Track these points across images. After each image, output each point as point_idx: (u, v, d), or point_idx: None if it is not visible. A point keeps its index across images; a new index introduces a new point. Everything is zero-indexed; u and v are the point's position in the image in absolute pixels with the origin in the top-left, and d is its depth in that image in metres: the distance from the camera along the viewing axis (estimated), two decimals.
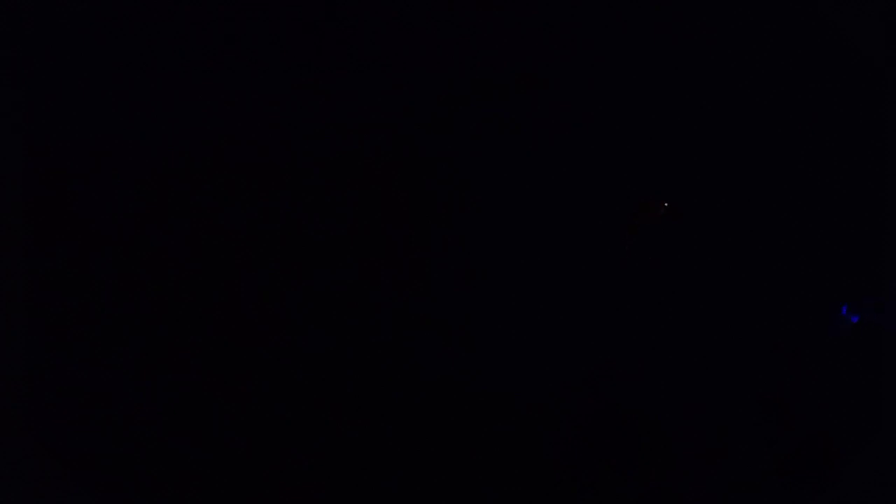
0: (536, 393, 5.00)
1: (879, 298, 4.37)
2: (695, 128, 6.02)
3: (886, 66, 5.50)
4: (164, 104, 5.46)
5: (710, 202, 5.28)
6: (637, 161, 5.08)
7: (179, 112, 5.52)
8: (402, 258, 5.60)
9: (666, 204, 4.18)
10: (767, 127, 5.66)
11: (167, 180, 5.40)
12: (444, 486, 4.15)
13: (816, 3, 5.81)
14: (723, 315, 5.30)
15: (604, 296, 5.05)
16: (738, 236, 5.26)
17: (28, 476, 3.70)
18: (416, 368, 5.16)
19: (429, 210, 5.89)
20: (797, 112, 5.64)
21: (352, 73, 6.07)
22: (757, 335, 5.24)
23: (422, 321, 5.54)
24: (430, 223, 5.86)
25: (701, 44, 5.99)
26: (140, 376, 4.38)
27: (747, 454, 4.63)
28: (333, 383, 4.70)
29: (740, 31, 5.94)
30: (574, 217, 5.27)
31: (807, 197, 5.18)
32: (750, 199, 5.35)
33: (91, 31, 5.20)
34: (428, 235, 5.80)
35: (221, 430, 4.12)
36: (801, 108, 5.65)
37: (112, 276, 4.85)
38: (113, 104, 5.29)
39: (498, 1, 6.23)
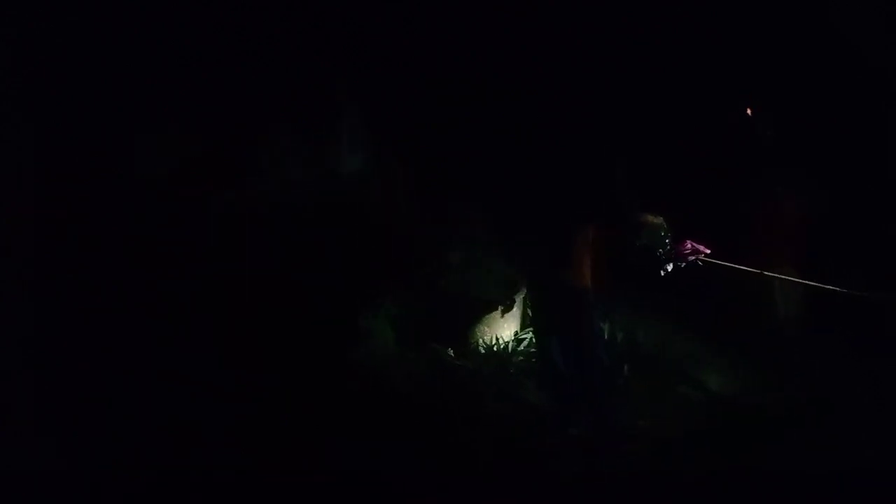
0: None
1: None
2: (693, 127, 6.02)
3: (887, 65, 5.51)
4: (165, 104, 5.47)
5: (710, 201, 5.28)
6: (635, 161, 5.06)
7: (179, 112, 5.53)
8: (401, 257, 5.61)
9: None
10: (767, 126, 5.65)
11: (168, 180, 5.40)
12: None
13: (817, 4, 5.82)
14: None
15: None
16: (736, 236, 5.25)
17: (29, 475, 3.70)
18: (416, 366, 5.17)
19: (429, 210, 5.90)
20: (797, 111, 5.65)
21: (351, 72, 6.09)
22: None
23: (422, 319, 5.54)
24: (430, 223, 5.87)
25: (701, 44, 6.00)
26: (141, 376, 4.39)
27: None
28: (333, 383, 4.71)
29: (741, 31, 5.95)
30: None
31: (806, 196, 5.18)
32: (748, 198, 5.35)
33: (91, 30, 5.21)
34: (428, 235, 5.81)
35: (222, 430, 4.13)
36: (800, 107, 5.66)
37: (113, 275, 4.85)
38: (114, 104, 5.29)
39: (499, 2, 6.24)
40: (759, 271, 4.50)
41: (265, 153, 5.68)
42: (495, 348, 5.39)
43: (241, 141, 5.63)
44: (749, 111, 5.30)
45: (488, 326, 5.47)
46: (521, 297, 5.53)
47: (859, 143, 5.52)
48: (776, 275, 4.61)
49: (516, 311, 5.60)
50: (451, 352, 5.31)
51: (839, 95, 5.68)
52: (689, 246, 4.11)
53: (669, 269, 4.11)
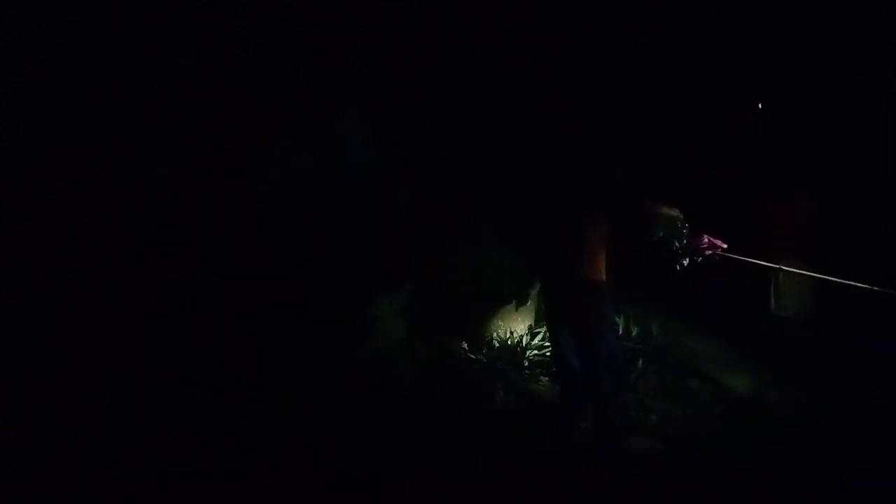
0: None
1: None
2: (693, 126, 6.02)
3: (887, 65, 5.51)
4: (165, 104, 5.46)
5: (710, 200, 5.27)
6: (634, 160, 5.07)
7: (179, 112, 5.53)
8: (402, 257, 5.61)
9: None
10: (767, 125, 5.64)
11: (168, 180, 5.40)
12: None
13: (817, 4, 5.82)
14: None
15: None
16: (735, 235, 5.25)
17: (29, 475, 3.71)
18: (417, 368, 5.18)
19: (430, 209, 5.90)
20: (798, 111, 5.64)
21: (352, 72, 6.08)
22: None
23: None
24: (430, 223, 5.86)
25: (701, 43, 6.00)
26: (141, 376, 4.39)
27: None
28: (333, 383, 4.71)
29: (741, 32, 5.96)
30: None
31: (807, 195, 5.17)
32: (748, 198, 5.35)
33: (91, 30, 5.21)
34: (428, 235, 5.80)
35: (222, 430, 4.13)
36: (801, 107, 5.66)
37: (114, 275, 4.85)
38: (114, 104, 5.29)
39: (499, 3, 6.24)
40: (777, 266, 4.48)
41: (265, 153, 5.69)
42: (509, 342, 5.42)
43: (241, 141, 5.63)
44: (750, 111, 5.30)
45: (502, 320, 5.55)
46: (535, 291, 5.55)
47: (859, 143, 5.51)
48: (793, 269, 4.57)
49: (531, 305, 5.66)
50: (465, 346, 5.37)
51: (839, 95, 5.67)
52: (706, 241, 4.05)
53: (685, 264, 4.04)
